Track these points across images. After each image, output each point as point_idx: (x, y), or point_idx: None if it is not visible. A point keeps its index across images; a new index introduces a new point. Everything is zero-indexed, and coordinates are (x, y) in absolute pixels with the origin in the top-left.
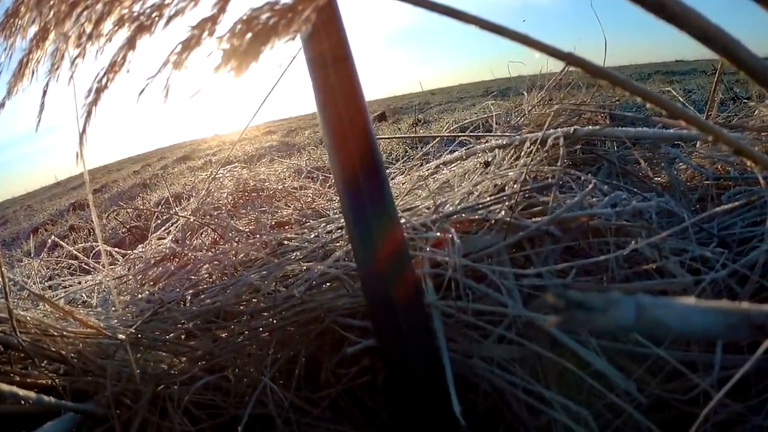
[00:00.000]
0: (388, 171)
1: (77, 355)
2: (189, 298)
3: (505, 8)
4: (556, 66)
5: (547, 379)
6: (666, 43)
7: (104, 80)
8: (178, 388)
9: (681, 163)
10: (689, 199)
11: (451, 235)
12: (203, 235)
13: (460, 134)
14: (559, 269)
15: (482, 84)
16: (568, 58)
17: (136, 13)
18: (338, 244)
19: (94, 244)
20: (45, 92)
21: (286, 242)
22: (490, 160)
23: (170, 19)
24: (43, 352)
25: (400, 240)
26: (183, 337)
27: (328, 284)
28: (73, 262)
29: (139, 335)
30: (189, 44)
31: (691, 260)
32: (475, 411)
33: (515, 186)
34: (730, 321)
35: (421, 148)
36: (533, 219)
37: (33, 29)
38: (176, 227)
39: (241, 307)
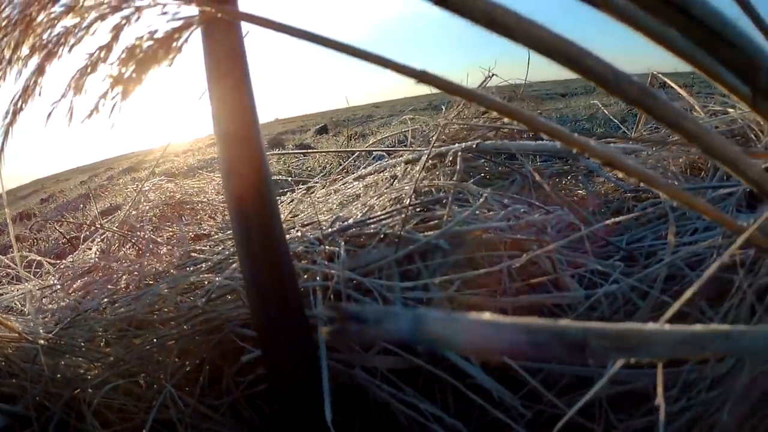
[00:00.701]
0: (308, 185)
1: (3, 358)
2: (105, 307)
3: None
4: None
5: (437, 392)
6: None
7: (19, 103)
8: (92, 392)
9: (599, 176)
10: (603, 212)
11: (338, 249)
12: (129, 247)
13: (371, 148)
14: (445, 281)
15: (427, 97)
16: (422, 77)
17: (45, 41)
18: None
19: (26, 253)
20: None
21: (194, 255)
22: (398, 174)
23: (72, 46)
24: None
25: (285, 262)
26: (102, 343)
27: (229, 296)
28: (11, 271)
29: (57, 341)
30: (85, 71)
31: (596, 273)
32: (369, 423)
33: (406, 201)
34: (536, 339)
35: (355, 162)
36: (426, 233)
37: None
38: (102, 239)
39: (154, 316)
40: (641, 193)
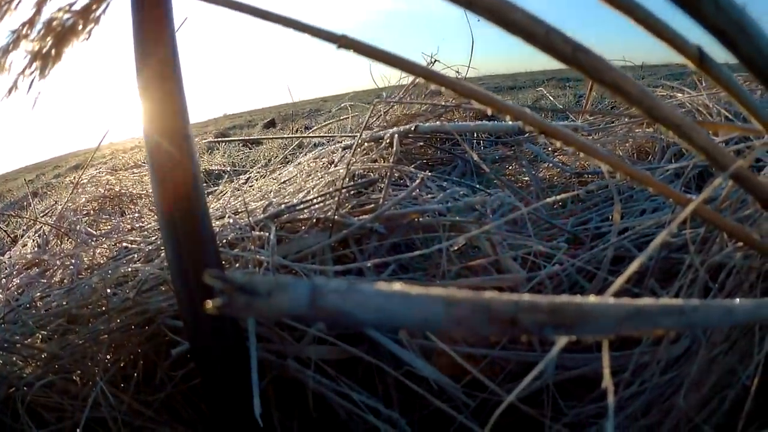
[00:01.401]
0: (247, 174)
1: None
2: (37, 301)
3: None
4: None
5: (378, 383)
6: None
7: None
8: (26, 390)
9: (543, 161)
10: (547, 195)
11: (268, 234)
12: (68, 241)
13: (309, 135)
14: (379, 265)
15: (375, 91)
16: (341, 41)
17: None
18: None
19: None
20: None
21: (127, 245)
22: (336, 159)
23: None
24: None
25: (209, 248)
26: (39, 340)
27: (162, 287)
28: None
29: None
30: (7, 48)
31: (540, 257)
32: (308, 416)
33: (337, 184)
34: (457, 312)
35: (301, 153)
36: (360, 217)
37: None
38: (39, 234)
39: (87, 310)
40: (586, 176)
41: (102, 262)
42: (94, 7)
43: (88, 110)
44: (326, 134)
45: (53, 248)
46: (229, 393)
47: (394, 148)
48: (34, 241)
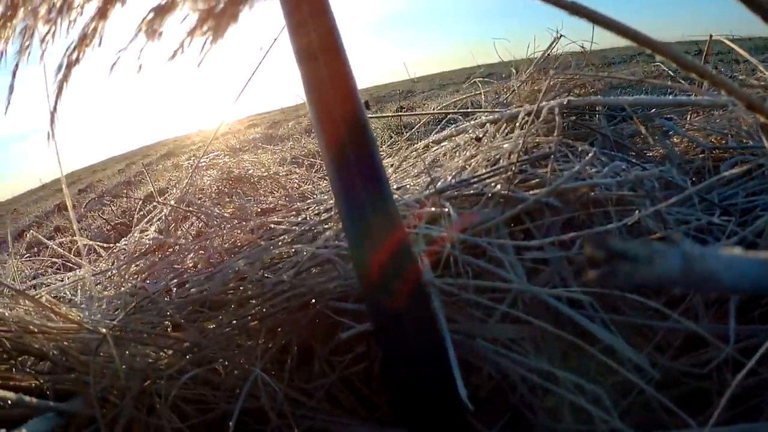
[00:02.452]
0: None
1: (60, 352)
2: (174, 288)
3: None
4: (541, 48)
5: (552, 359)
6: (648, 25)
7: (75, 54)
8: (165, 382)
9: (675, 136)
10: (686, 170)
11: (447, 210)
12: (188, 226)
13: (449, 111)
14: (561, 241)
15: (465, 71)
16: (572, 7)
17: None
18: (327, 225)
19: (76, 238)
20: (14, 73)
21: (272, 226)
22: (481, 135)
23: None
24: (25, 350)
25: (397, 221)
26: (169, 329)
27: (318, 268)
28: (57, 260)
29: (123, 329)
30: (162, 9)
31: (695, 230)
32: (477, 395)
33: (511, 158)
34: None
35: (407, 133)
36: (531, 191)
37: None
38: (159, 218)
39: (229, 296)
40: (717, 151)
41: (237, 245)
42: None
43: (172, 99)
44: (471, 110)
45: (177, 233)
46: (424, 375)
47: (557, 122)
48: (154, 226)
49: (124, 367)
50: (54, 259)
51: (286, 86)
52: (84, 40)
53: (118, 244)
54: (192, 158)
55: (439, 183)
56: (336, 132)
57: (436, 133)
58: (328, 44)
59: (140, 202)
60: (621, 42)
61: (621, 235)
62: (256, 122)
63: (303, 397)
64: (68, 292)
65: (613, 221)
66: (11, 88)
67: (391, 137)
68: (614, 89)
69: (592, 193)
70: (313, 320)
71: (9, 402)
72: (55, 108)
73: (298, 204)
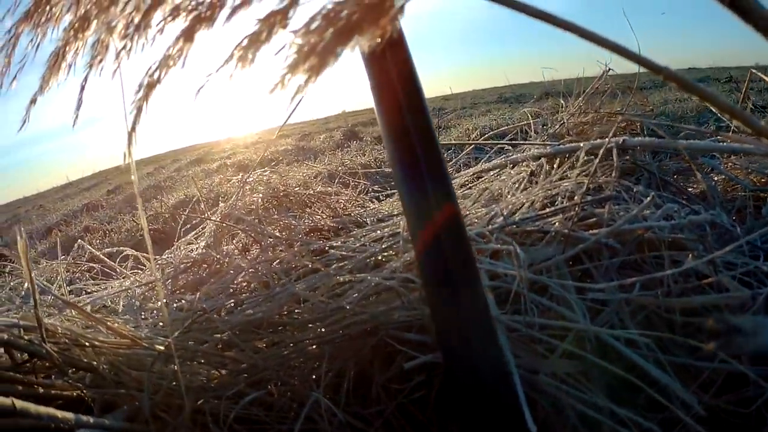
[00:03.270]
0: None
1: (109, 366)
2: (228, 307)
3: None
4: (586, 72)
5: (604, 393)
6: (677, 50)
7: (156, 74)
8: (222, 402)
9: (717, 174)
10: (728, 209)
11: (513, 248)
12: (234, 241)
13: (503, 142)
14: (620, 284)
15: (495, 90)
16: (665, 72)
17: (194, 3)
18: (390, 253)
19: (117, 248)
20: (83, 87)
21: (328, 250)
22: (535, 170)
23: (235, 9)
24: (72, 362)
25: (471, 252)
26: (220, 348)
27: (376, 296)
28: (94, 265)
29: (179, 346)
30: (258, 38)
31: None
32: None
33: (576, 198)
34: None
35: (448, 155)
36: (590, 231)
37: (68, 17)
38: (204, 232)
39: (285, 318)
40: (758, 192)
41: (291, 267)
42: (388, 3)
43: (203, 104)
44: (524, 143)
45: (224, 249)
46: (493, 408)
47: (615, 163)
48: (205, 240)
49: (178, 384)
50: (93, 264)
51: (315, 98)
52: (167, 60)
53: (162, 256)
54: (222, 167)
55: (500, 218)
56: (404, 137)
57: (484, 161)
58: (391, 39)
59: (173, 209)
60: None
61: (673, 276)
62: (287, 133)
63: (360, 423)
64: (109, 301)
65: (665, 263)
66: (79, 102)
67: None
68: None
69: (646, 235)
70: (373, 348)
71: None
72: (133, 128)
73: (352, 229)
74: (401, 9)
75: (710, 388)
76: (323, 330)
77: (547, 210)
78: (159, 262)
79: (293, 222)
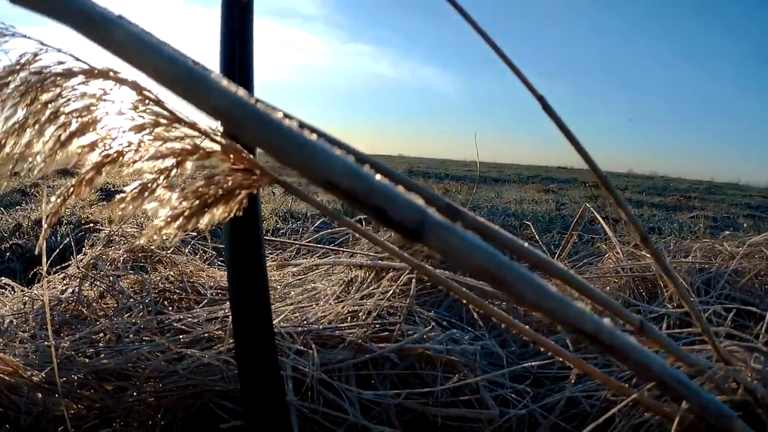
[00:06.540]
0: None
1: None
2: (88, 353)
3: (403, 89)
4: None
5: None
6: (551, 147)
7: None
8: None
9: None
10: (513, 337)
11: (312, 351)
12: (94, 289)
13: (326, 247)
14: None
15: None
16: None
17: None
18: (220, 334)
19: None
20: None
21: (170, 319)
22: (352, 278)
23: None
24: None
25: (273, 352)
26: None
27: (206, 366)
28: None
29: (52, 380)
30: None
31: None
32: None
33: (372, 315)
34: None
35: (293, 224)
36: (380, 344)
37: None
38: (70, 275)
39: (130, 372)
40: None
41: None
42: (238, 192)
43: None
44: (333, 248)
45: (91, 300)
46: None
47: (412, 291)
48: (70, 286)
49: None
50: None
51: None
52: (65, 201)
53: (31, 288)
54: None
55: (310, 323)
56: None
57: (319, 256)
58: None
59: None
60: (520, 161)
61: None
62: None
63: None
64: None
65: (438, 378)
66: None
67: (277, 223)
68: (494, 215)
69: (426, 353)
70: (199, 407)
71: None
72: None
73: (197, 309)
74: (247, 195)
75: None
76: (161, 386)
77: (345, 325)
78: (27, 295)
79: (146, 277)
